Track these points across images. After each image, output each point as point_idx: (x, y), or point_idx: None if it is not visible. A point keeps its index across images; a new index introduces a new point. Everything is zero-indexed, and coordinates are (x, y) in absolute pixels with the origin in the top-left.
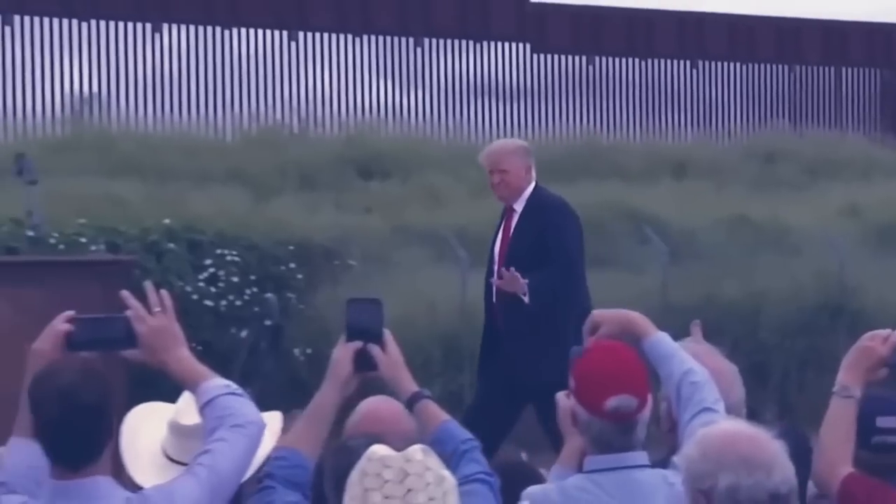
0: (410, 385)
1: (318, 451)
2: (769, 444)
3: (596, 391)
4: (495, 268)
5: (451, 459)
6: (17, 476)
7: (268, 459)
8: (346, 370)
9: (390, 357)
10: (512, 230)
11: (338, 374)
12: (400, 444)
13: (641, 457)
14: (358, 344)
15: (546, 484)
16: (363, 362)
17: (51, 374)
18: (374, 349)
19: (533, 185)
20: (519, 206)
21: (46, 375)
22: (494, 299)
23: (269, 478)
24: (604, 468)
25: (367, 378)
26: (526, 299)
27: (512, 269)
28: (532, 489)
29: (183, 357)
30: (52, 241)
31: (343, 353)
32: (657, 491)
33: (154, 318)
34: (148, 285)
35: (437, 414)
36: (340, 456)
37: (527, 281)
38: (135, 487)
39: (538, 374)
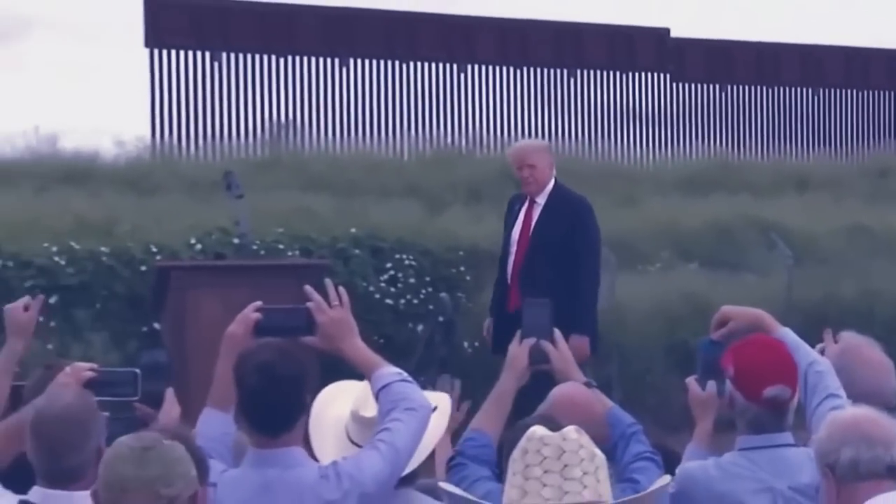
0: (579, 376)
1: (499, 432)
2: (890, 425)
3: (755, 381)
4: (513, 250)
5: (621, 440)
6: (211, 441)
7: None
8: (523, 364)
9: (560, 352)
10: (535, 221)
11: (515, 367)
12: (592, 425)
13: (789, 437)
14: (532, 340)
15: (703, 461)
16: (537, 357)
17: (253, 351)
18: (546, 345)
19: (553, 180)
20: (542, 200)
21: (249, 353)
22: (510, 283)
23: (460, 455)
24: (756, 446)
25: (540, 370)
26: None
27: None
28: (690, 465)
29: (357, 345)
30: (254, 247)
31: (519, 349)
32: (803, 466)
33: (332, 310)
34: (328, 282)
35: (604, 401)
36: (519, 435)
37: (584, 337)
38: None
39: None
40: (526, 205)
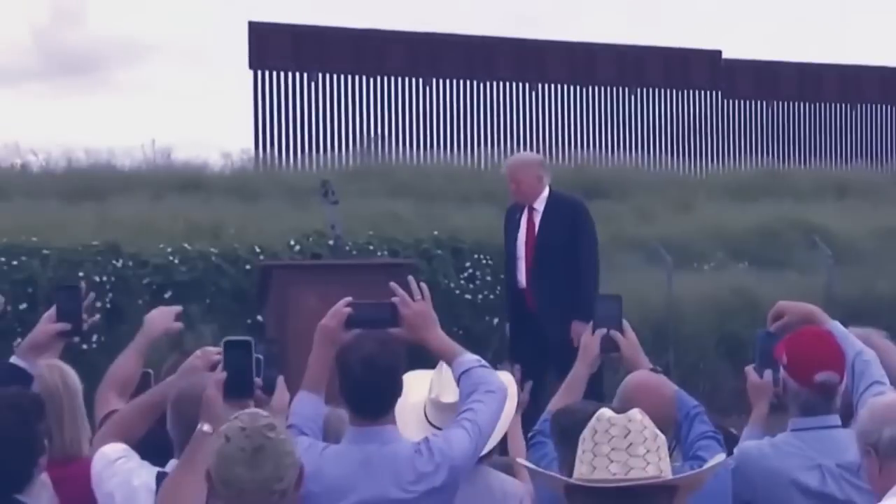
0: (646, 362)
1: None
2: None
3: (807, 368)
4: (521, 254)
5: (685, 420)
6: (306, 420)
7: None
8: (595, 352)
9: (629, 341)
10: (537, 226)
11: (588, 355)
12: (662, 408)
13: (836, 419)
14: (603, 331)
15: (758, 440)
16: (608, 345)
17: (356, 344)
18: (616, 335)
19: (548, 188)
20: (539, 206)
21: (352, 346)
22: (525, 285)
23: (540, 434)
24: (807, 427)
25: (611, 358)
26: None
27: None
28: (747, 444)
29: (439, 335)
30: (347, 248)
31: (591, 339)
32: (849, 446)
33: (415, 304)
34: (410, 279)
35: (670, 385)
36: (565, 416)
37: (588, 323)
38: None
39: (568, 343)
40: (526, 213)
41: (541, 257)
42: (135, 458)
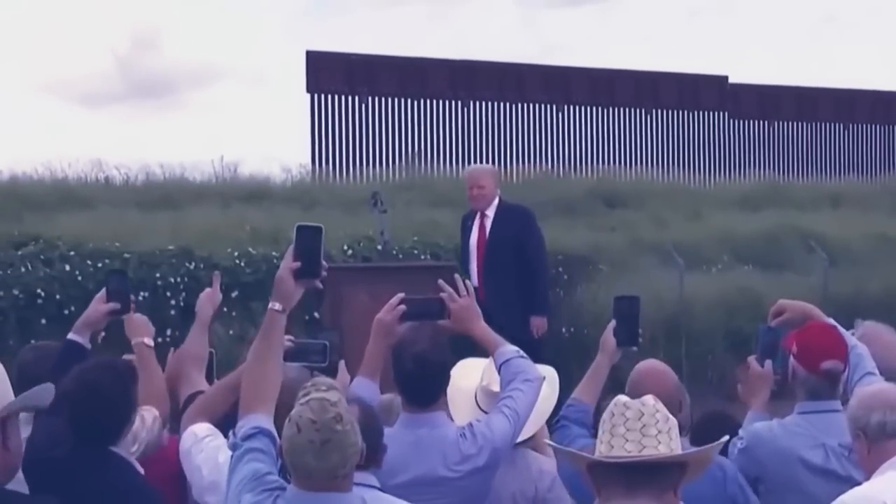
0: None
1: (595, 400)
2: None
3: (814, 357)
4: (473, 255)
5: None
6: None
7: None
8: (613, 344)
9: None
10: (488, 230)
11: (608, 348)
12: (670, 391)
13: (838, 404)
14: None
15: (768, 422)
16: (626, 339)
17: (409, 341)
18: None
19: (498, 198)
20: (490, 213)
21: (406, 342)
22: (477, 283)
23: (564, 419)
24: (813, 410)
25: (628, 351)
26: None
27: (536, 322)
28: (757, 425)
29: (483, 327)
30: (394, 252)
31: (610, 334)
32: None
33: (461, 299)
34: (457, 277)
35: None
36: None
37: (543, 317)
38: None
39: (520, 333)
40: (478, 219)
41: (490, 257)
42: (219, 436)
